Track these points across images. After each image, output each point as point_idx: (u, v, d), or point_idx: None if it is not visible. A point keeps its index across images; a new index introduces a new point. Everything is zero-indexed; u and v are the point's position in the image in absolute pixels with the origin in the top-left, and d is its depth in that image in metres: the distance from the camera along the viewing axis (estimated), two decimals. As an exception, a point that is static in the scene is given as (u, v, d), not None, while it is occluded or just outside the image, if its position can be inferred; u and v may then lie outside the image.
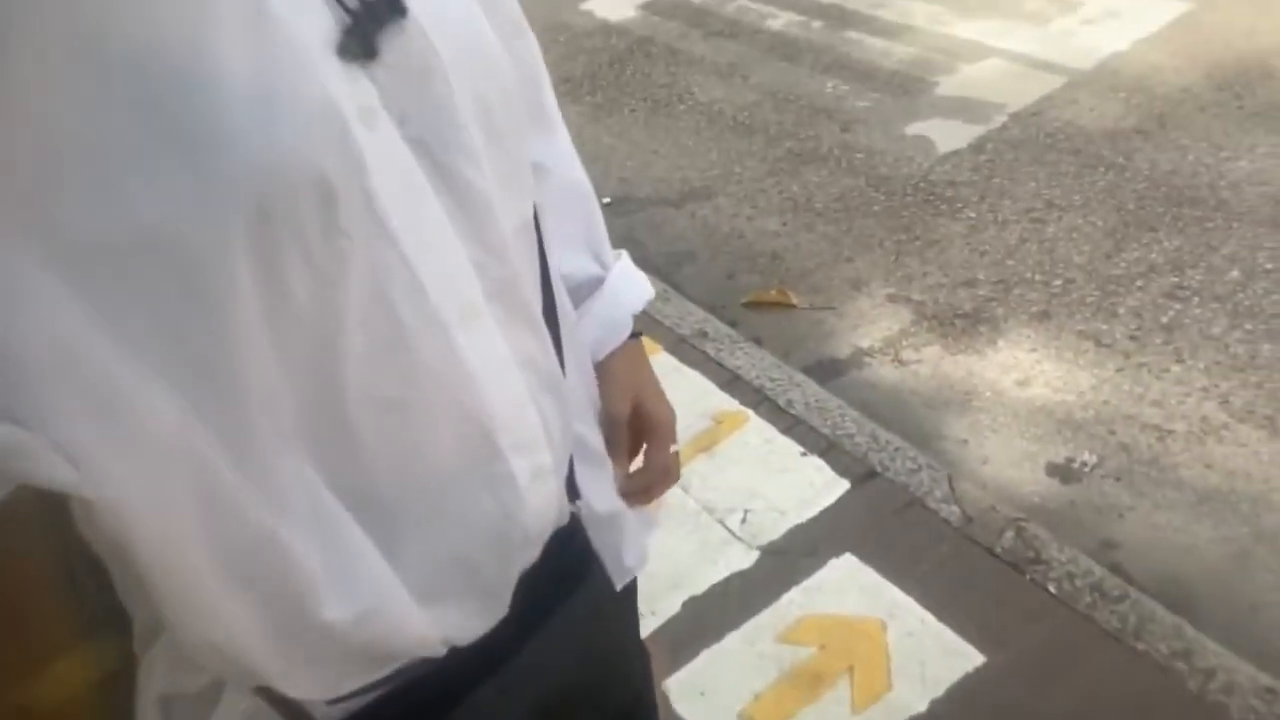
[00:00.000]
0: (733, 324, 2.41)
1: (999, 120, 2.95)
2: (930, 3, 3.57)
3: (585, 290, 0.79)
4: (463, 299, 0.56)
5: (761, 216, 2.81)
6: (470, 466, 0.59)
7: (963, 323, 2.34)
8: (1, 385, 0.44)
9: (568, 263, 0.77)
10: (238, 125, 0.46)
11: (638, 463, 0.81)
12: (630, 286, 0.82)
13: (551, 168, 0.75)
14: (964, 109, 3.03)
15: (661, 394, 0.83)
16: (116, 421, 0.46)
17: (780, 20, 3.70)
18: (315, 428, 0.53)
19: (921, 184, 2.79)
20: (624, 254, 0.84)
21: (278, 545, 0.53)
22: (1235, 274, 2.30)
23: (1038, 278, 2.42)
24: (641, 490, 0.79)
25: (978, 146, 2.87)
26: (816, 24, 3.62)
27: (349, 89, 0.50)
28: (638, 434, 0.80)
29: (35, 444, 0.45)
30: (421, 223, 0.54)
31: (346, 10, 0.50)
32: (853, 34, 3.52)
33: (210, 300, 0.47)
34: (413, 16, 0.53)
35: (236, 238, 0.46)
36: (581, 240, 0.79)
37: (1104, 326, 2.26)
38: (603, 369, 0.79)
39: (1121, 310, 2.28)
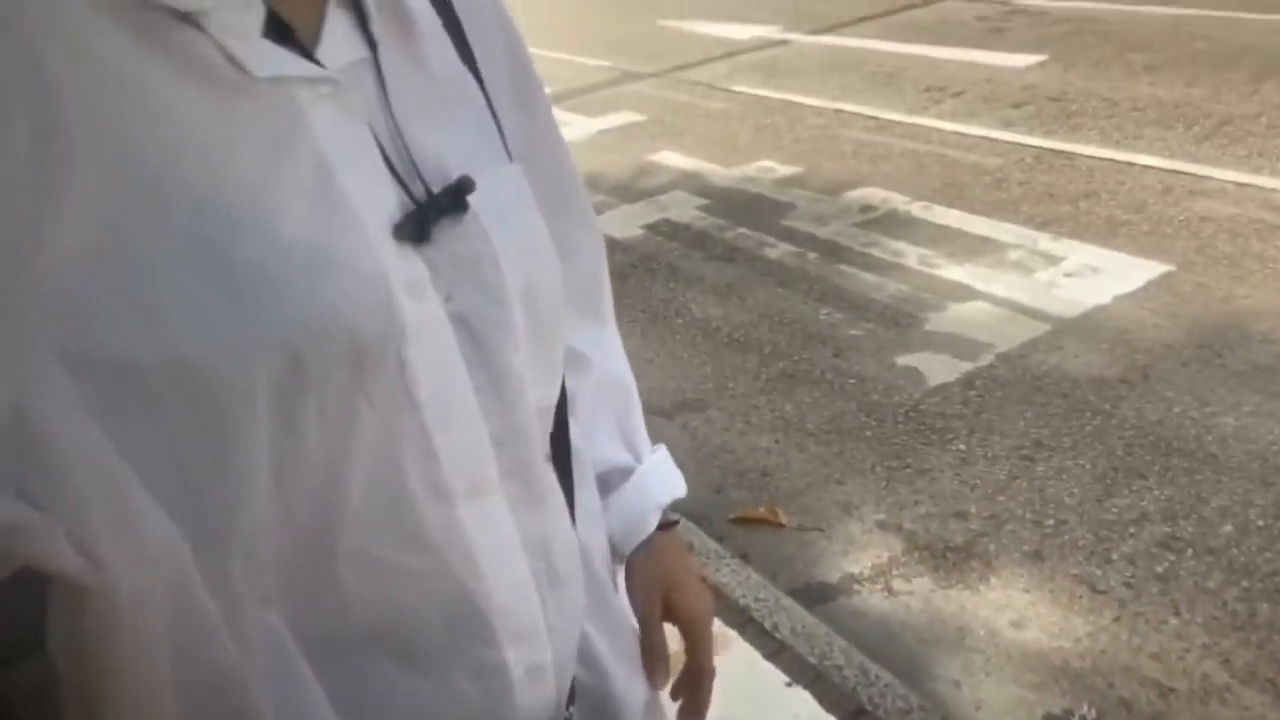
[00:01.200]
0: (719, 539, 2.35)
1: (987, 359, 3.02)
2: (920, 245, 3.75)
3: (615, 480, 0.77)
4: (476, 474, 0.55)
5: (753, 433, 2.80)
6: (457, 648, 0.55)
7: (954, 556, 2.29)
8: (20, 461, 0.42)
9: (599, 451, 0.75)
10: (285, 276, 0.47)
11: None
12: (660, 480, 0.80)
13: (594, 358, 0.76)
14: (953, 345, 3.11)
15: (698, 586, 0.79)
16: (122, 517, 0.45)
17: (778, 250, 3.86)
18: (299, 575, 0.51)
19: (912, 413, 2.81)
20: (662, 448, 0.82)
21: (236, 683, 0.49)
22: (1228, 528, 2.28)
23: (1029, 516, 2.39)
24: (692, 702, 0.75)
25: (967, 382, 2.92)
26: (812, 256, 3.78)
27: (400, 263, 0.51)
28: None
29: (48, 527, 0.43)
30: (449, 395, 0.54)
31: (411, 198, 0.52)
32: (846, 267, 3.66)
33: (224, 437, 0.46)
34: (472, 211, 0.54)
35: (262, 381, 0.46)
36: (615, 429, 0.78)
37: (1098, 571, 2.20)
38: (629, 567, 0.75)
39: (1115, 556, 2.24)
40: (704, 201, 4.42)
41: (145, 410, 0.45)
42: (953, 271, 3.54)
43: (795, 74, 6.34)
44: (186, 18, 0.47)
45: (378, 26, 0.55)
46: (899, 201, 4.16)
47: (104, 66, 0.45)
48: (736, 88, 6.23)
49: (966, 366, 2.99)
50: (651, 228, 4.20)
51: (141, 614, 0.46)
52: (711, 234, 4.08)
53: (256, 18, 0.49)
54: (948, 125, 5.02)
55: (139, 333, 0.44)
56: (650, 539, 0.77)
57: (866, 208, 4.16)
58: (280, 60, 0.49)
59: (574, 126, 5.60)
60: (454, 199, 0.53)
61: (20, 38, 0.43)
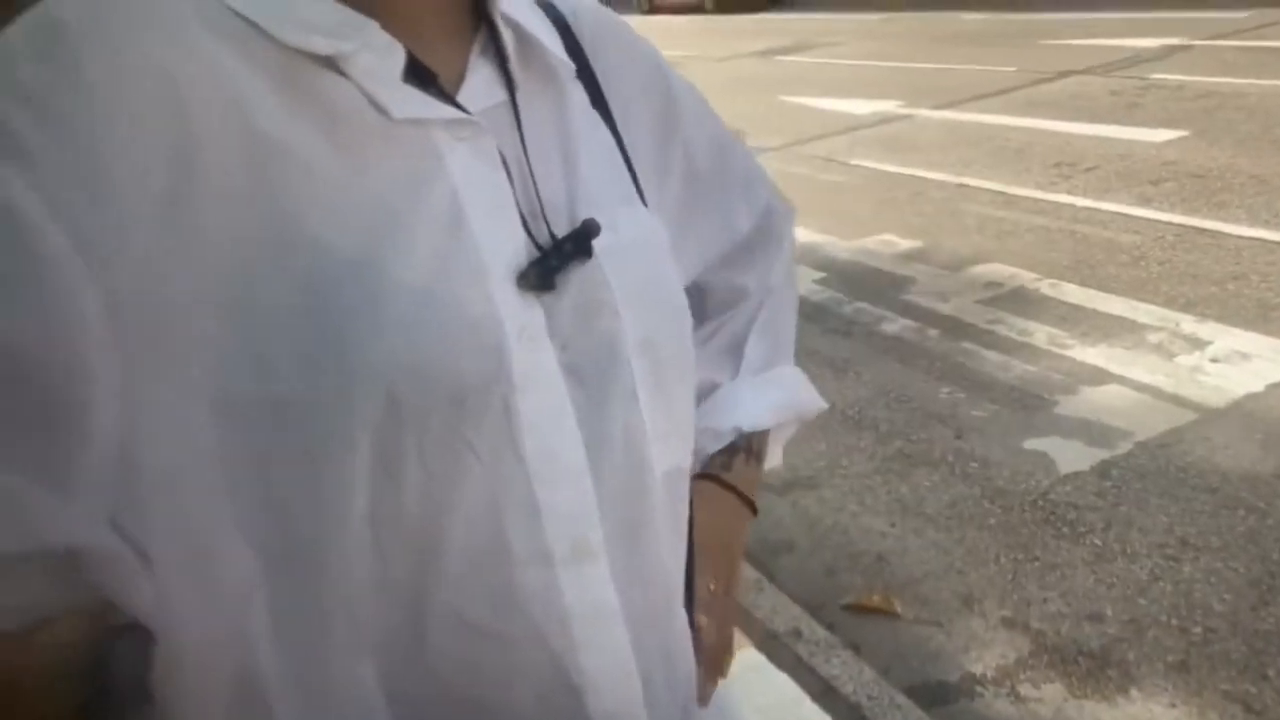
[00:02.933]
0: (830, 626, 2.23)
1: (1124, 447, 2.83)
2: (1049, 324, 3.58)
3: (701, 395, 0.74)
4: (579, 536, 0.53)
5: (867, 514, 2.68)
6: None
7: (1088, 662, 2.10)
8: (119, 491, 0.43)
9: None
10: (391, 316, 0.46)
11: None
12: (759, 394, 0.75)
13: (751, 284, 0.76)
14: (1087, 431, 2.93)
15: (724, 604, 0.71)
16: (200, 562, 0.45)
17: (897, 325, 3.75)
18: (391, 631, 0.49)
19: (1041, 502, 2.64)
20: (788, 369, 0.78)
21: None
22: None
23: (1174, 622, 2.18)
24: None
25: (1102, 471, 2.74)
26: (933, 332, 3.66)
27: (517, 310, 0.50)
28: None
29: (128, 558, 0.43)
30: (556, 450, 0.52)
31: (537, 246, 0.52)
32: (969, 345, 3.52)
33: (322, 476, 0.46)
34: (596, 257, 0.53)
35: (362, 423, 0.45)
36: (730, 336, 0.76)
37: (1253, 689, 1.99)
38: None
39: (1272, 672, 2.02)
40: (822, 274, 4.35)
41: (247, 446, 0.45)
42: (1085, 353, 3.36)
43: (917, 148, 6.25)
44: (328, 62, 0.48)
45: (516, 70, 0.55)
46: (1027, 279, 4.00)
47: (243, 109, 0.45)
48: (857, 161, 6.18)
49: (1102, 454, 2.81)
50: (766, 299, 4.15)
51: (205, 659, 0.45)
52: (829, 307, 4.00)
53: (397, 62, 0.49)
54: (1080, 201, 4.84)
55: (247, 370, 0.44)
56: (700, 481, 0.71)
57: (992, 284, 4.01)
58: (420, 103, 0.50)
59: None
60: (578, 245, 0.52)
61: (167, 78, 0.44)
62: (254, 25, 0.47)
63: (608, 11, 0.66)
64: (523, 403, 0.49)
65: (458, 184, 0.50)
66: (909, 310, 3.86)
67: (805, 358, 3.35)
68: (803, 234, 4.89)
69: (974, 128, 6.63)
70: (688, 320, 0.60)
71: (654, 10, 20.18)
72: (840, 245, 4.70)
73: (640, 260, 0.57)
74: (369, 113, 0.48)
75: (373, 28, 0.48)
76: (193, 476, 0.44)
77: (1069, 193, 4.98)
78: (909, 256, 4.45)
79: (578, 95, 0.59)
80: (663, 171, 0.65)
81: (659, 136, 0.65)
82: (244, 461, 0.45)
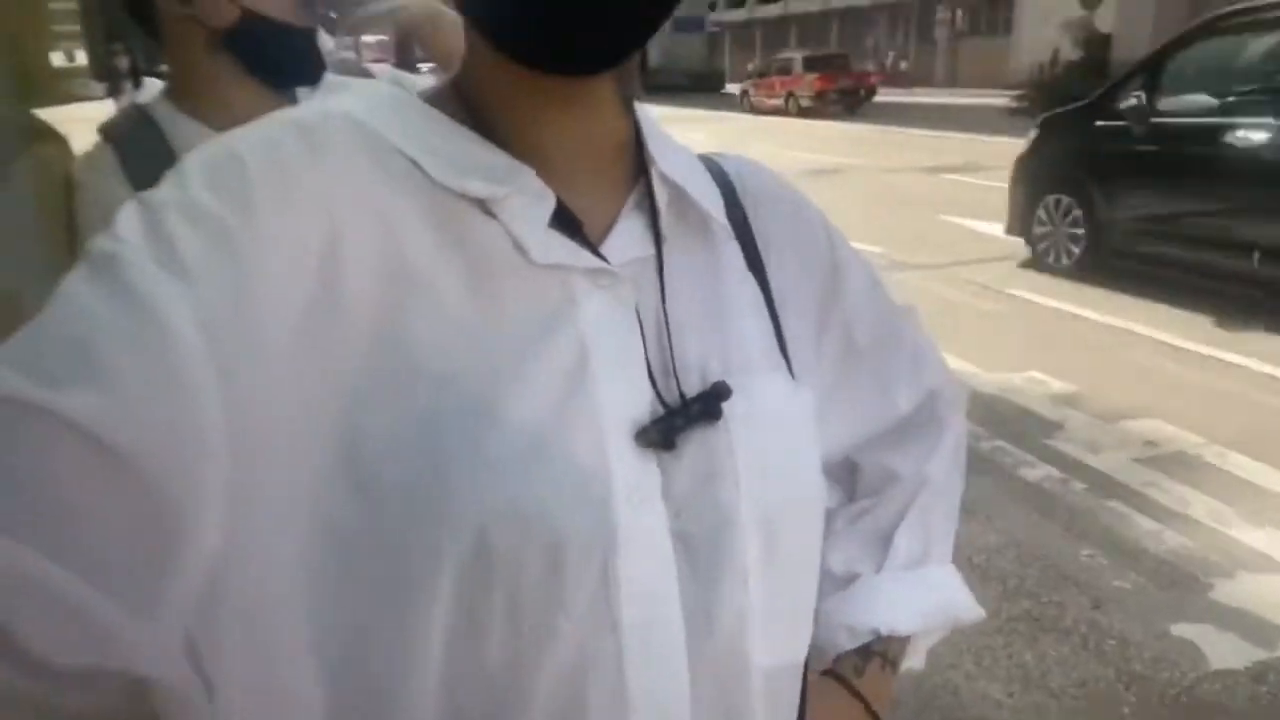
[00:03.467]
0: (927, 799, 2.03)
1: (1288, 650, 2.52)
2: (1211, 496, 3.28)
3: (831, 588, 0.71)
4: None
5: (984, 678, 2.46)
6: None
7: None
8: (201, 618, 0.42)
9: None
10: (495, 456, 0.45)
11: None
12: (906, 595, 0.70)
13: (904, 470, 0.71)
14: (1244, 623, 2.63)
15: None
16: (267, 696, 0.44)
17: (1038, 471, 3.52)
18: None
19: (1183, 698, 2.37)
20: (945, 568, 0.72)
21: None
22: None
23: None
24: None
25: (1258, 673, 2.44)
26: (1078, 485, 3.41)
27: (631, 468, 0.49)
28: None
29: (194, 687, 0.42)
30: (654, 627, 0.49)
31: (663, 403, 0.51)
32: (1118, 505, 3.26)
33: (404, 621, 0.45)
34: (723, 422, 0.51)
35: (451, 567, 0.45)
36: (876, 525, 0.71)
37: None
38: None
39: None
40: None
41: (335, 577, 0.45)
42: (1250, 535, 3.05)
43: (1079, 285, 5.97)
44: (480, 204, 0.49)
45: (667, 225, 0.55)
46: (1190, 442, 3.70)
47: (394, 241, 0.47)
48: (1013, 291, 5.95)
49: (1260, 654, 2.51)
50: (900, 423, 3.98)
51: None
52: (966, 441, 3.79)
53: (547, 209, 0.50)
54: (1257, 365, 4.48)
55: (348, 499, 0.45)
56: (826, 680, 0.67)
57: (1150, 442, 3.73)
58: (563, 249, 0.50)
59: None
60: (706, 406, 0.51)
61: (327, 211, 0.46)
62: (416, 165, 0.49)
63: (774, 175, 0.66)
64: (624, 568, 0.48)
65: (586, 332, 0.50)
66: (1054, 457, 3.62)
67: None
68: (948, 360, 4.69)
69: (1142, 269, 6.30)
70: (818, 504, 0.58)
71: (753, 110, 23.16)
72: (985, 377, 4.48)
73: (773, 431, 0.54)
74: (511, 254, 0.49)
75: (528, 174, 0.50)
76: (275, 606, 0.44)
77: (1243, 353, 4.63)
78: (1060, 399, 4.20)
79: (732, 255, 0.59)
80: (819, 340, 0.63)
81: (819, 304, 0.63)
82: (328, 594, 0.45)
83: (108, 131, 1.11)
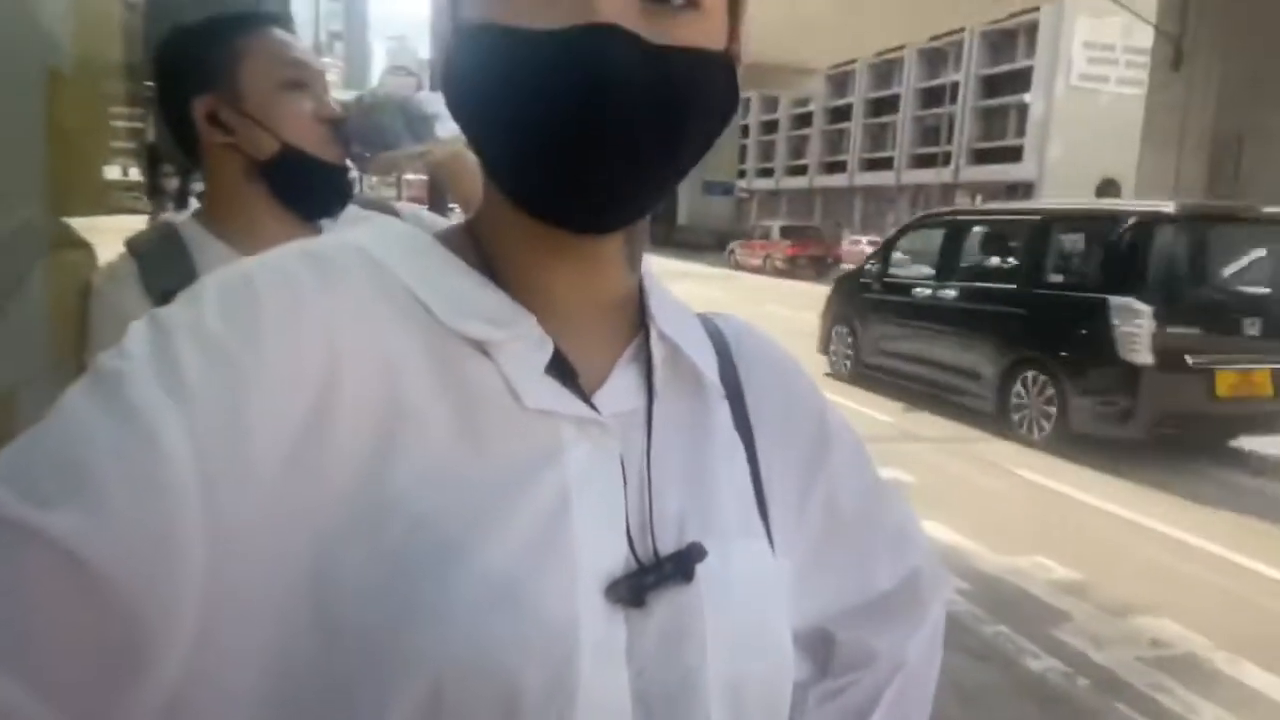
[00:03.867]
0: None
1: None
2: (1221, 706, 3.14)
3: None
4: None
5: None
6: None
7: None
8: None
9: None
10: (460, 602, 0.45)
11: None
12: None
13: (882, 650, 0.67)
14: None
15: None
16: None
17: (1041, 663, 3.39)
18: None
19: None
20: None
21: None
22: None
23: None
24: None
25: None
26: (1082, 682, 3.27)
27: (599, 623, 0.48)
28: None
29: None
30: None
31: (637, 559, 0.50)
32: (1124, 708, 3.12)
33: None
34: (695, 584, 0.51)
35: (396, 709, 0.44)
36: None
37: None
38: None
39: None
40: (964, 585, 4.05)
41: (289, 703, 0.44)
42: (1262, 751, 2.90)
43: (1082, 470, 5.93)
44: (479, 345, 0.50)
45: (661, 381, 0.55)
46: (1199, 645, 3.57)
47: (392, 377, 0.47)
48: (1020, 471, 5.91)
49: None
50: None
51: None
52: (966, 624, 3.68)
53: (544, 355, 0.51)
54: (1269, 571, 4.38)
55: (311, 640, 0.44)
56: None
57: (1158, 642, 3.60)
58: (555, 396, 0.51)
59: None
60: (678, 566, 0.50)
61: (332, 346, 0.46)
62: (421, 302, 0.50)
63: (770, 339, 0.66)
64: None
65: (569, 480, 0.49)
66: (1057, 649, 3.49)
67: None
68: (948, 535, 4.63)
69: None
70: (787, 676, 0.56)
71: (737, 266, 26.88)
72: (988, 558, 4.39)
73: (745, 597, 0.53)
74: (504, 397, 0.50)
75: (529, 321, 0.51)
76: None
77: (1256, 558, 4.53)
78: (1065, 588, 4.09)
79: (722, 415, 0.59)
80: (801, 508, 0.62)
81: (804, 471, 0.63)
82: (285, 710, 0.44)
83: (133, 244, 1.14)
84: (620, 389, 0.54)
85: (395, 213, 1.33)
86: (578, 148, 0.46)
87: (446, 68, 0.50)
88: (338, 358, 0.46)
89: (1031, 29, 39.91)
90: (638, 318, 0.57)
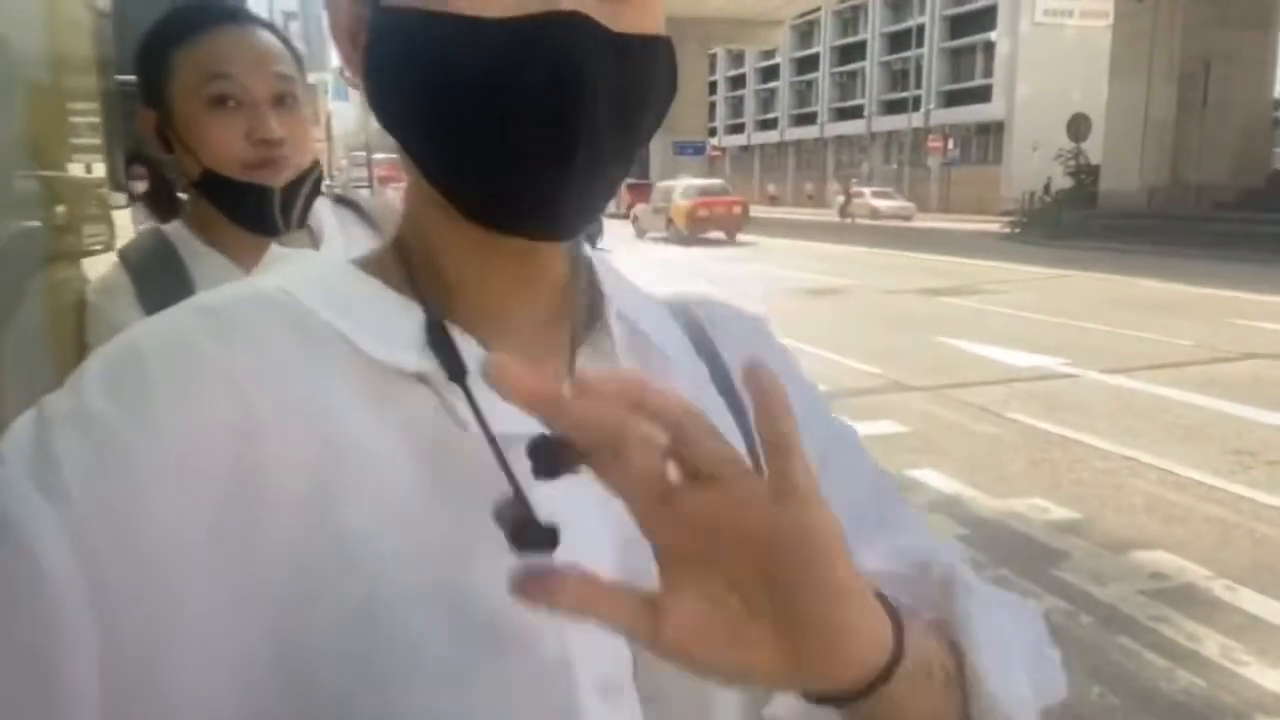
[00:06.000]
0: None
1: (1313, 803, 2.41)
2: (1222, 633, 3.20)
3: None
4: None
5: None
6: None
7: None
8: None
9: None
10: (437, 658, 0.42)
11: None
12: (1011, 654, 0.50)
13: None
14: (1265, 773, 2.53)
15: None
16: None
17: (1044, 604, 3.43)
18: None
19: None
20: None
21: None
22: None
23: None
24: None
25: (1283, 828, 2.33)
26: (1085, 619, 3.33)
27: (600, 655, 0.44)
28: None
29: None
30: None
31: None
32: (1127, 642, 3.17)
33: None
34: None
35: None
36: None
37: None
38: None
39: None
40: (964, 531, 4.10)
41: None
42: (1264, 674, 2.96)
43: (1080, 411, 5.99)
44: (414, 374, 0.46)
45: (618, 364, 0.51)
46: (1198, 575, 3.64)
47: (321, 418, 0.44)
48: (1012, 415, 5.96)
49: (1283, 806, 2.40)
50: (902, 549, 3.91)
51: None
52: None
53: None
54: (1261, 496, 4.45)
55: (283, 700, 0.41)
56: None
57: (1157, 574, 3.66)
58: (504, 417, 0.44)
59: (835, 428, 5.50)
60: None
61: (240, 398, 0.43)
62: (346, 338, 0.46)
63: (739, 310, 0.63)
64: None
65: (539, 502, 0.45)
66: (1060, 589, 3.55)
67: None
68: (947, 484, 4.67)
69: (1145, 398, 6.32)
70: None
71: (642, 235, 23.62)
72: (986, 503, 4.44)
73: None
74: (448, 425, 0.46)
75: (465, 342, 0.47)
76: None
77: (1249, 485, 4.60)
78: (1063, 528, 4.14)
79: (704, 392, 0.55)
80: None
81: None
82: None
83: (125, 255, 1.11)
84: None
85: (358, 205, 1.29)
86: (546, 147, 0.42)
87: (367, 59, 0.45)
88: (252, 413, 0.42)
89: (994, -34, 39.63)
90: (585, 315, 0.52)
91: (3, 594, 0.38)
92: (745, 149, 57.94)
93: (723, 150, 56.05)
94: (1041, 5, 38.07)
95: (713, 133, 48.91)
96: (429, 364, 0.46)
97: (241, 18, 1.09)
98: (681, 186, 23.08)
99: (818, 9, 46.13)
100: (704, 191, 23.03)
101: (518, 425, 0.44)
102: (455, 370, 0.46)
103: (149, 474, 0.40)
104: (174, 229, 1.14)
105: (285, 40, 1.13)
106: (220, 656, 0.40)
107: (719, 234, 22.35)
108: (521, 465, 0.44)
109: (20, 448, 0.41)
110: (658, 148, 33.82)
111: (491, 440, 0.45)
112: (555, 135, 0.42)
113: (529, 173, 0.43)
